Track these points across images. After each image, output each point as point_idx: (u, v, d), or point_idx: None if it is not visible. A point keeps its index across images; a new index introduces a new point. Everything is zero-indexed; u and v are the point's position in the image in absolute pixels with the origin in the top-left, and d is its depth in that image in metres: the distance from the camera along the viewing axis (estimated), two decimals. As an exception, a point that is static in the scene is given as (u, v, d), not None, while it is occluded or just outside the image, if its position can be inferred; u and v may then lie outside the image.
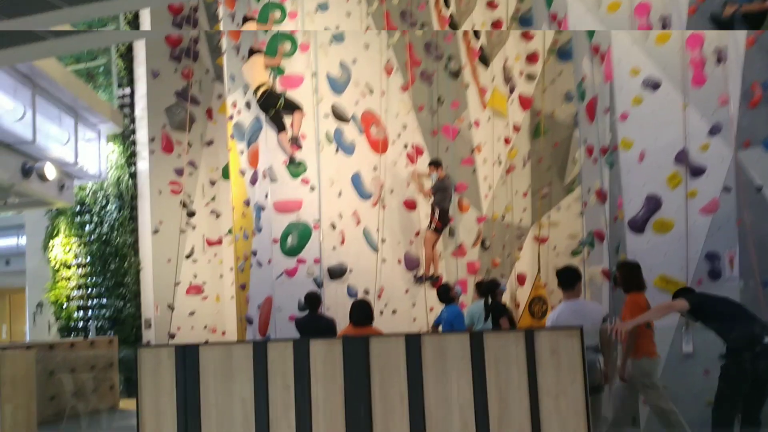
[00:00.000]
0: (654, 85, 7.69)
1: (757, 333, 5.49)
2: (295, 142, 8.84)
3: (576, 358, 4.65)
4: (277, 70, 9.18)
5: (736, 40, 7.50)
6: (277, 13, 9.19)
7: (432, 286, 9.53)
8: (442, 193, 9.61)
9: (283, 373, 5.03)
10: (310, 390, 4.94)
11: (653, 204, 7.57)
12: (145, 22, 12.23)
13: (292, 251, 8.84)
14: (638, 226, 7.60)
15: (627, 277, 6.34)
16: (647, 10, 7.69)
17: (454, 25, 11.24)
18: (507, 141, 11.27)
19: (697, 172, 7.47)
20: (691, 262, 7.33)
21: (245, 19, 9.26)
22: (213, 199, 12.44)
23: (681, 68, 7.55)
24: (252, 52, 9.08)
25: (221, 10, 10.21)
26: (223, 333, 12.01)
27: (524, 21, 11.42)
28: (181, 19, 12.20)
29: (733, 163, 7.39)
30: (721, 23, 7.60)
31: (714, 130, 7.47)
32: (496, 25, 11.74)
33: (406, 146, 10.12)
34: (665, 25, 7.62)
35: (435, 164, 9.79)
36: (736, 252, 7.28)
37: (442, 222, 9.64)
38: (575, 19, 8.03)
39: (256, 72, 8.92)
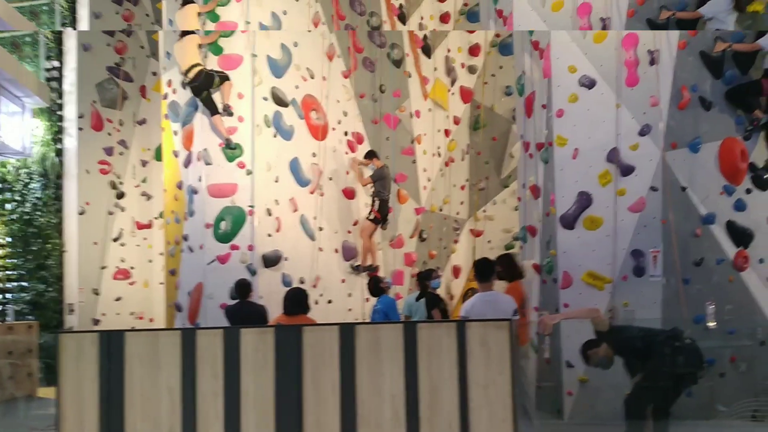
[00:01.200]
0: (589, 84, 7.85)
1: (679, 332, 5.69)
2: (226, 111, 8.64)
3: (505, 350, 4.73)
4: (215, 50, 8.94)
5: (669, 42, 7.73)
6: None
7: (369, 277, 9.52)
8: (381, 183, 9.59)
9: (213, 361, 4.91)
10: (239, 379, 4.84)
11: (584, 201, 7.75)
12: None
13: (226, 237, 8.66)
14: (569, 222, 7.77)
15: (508, 268, 6.58)
16: (588, 10, 7.84)
17: (402, 16, 11.22)
18: (447, 133, 11.33)
19: (626, 171, 7.68)
20: (617, 258, 7.56)
21: (186, 1, 8.98)
22: (144, 180, 12.05)
23: (616, 68, 7.73)
24: (185, 33, 8.84)
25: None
26: (151, 320, 11.69)
27: (471, 15, 11.49)
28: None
29: (661, 164, 7.63)
30: (657, 27, 7.83)
31: (644, 131, 7.69)
32: (444, 18, 11.79)
33: (346, 133, 10.04)
34: (605, 26, 7.79)
35: (370, 155, 9.78)
36: (660, 250, 7.54)
37: (381, 213, 9.63)
38: (520, 17, 8.11)
39: (189, 52, 8.68)
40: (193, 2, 8.87)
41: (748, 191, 7.87)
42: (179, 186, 9.45)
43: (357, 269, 9.72)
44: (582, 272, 7.57)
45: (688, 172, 7.71)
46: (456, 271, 11.17)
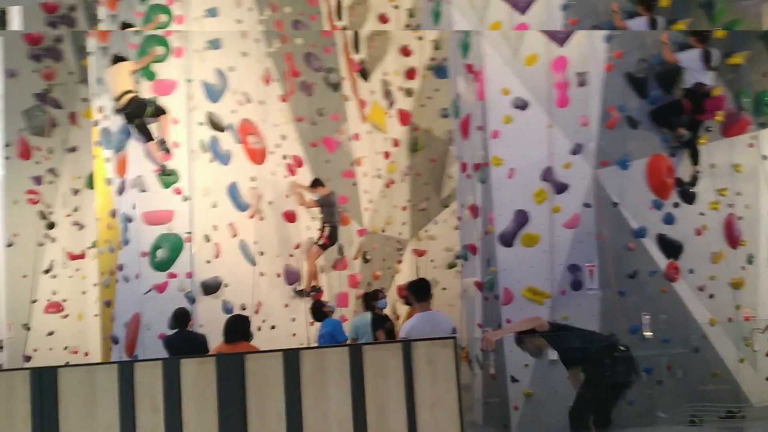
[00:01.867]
0: (522, 105, 8.07)
1: (614, 341, 5.84)
2: (163, 147, 8.49)
3: (450, 368, 4.78)
4: (149, 75, 8.79)
5: (597, 65, 8.04)
6: (163, 17, 8.81)
7: (312, 300, 9.44)
8: (328, 209, 9.61)
9: (152, 394, 4.77)
10: (181, 412, 4.72)
11: (521, 219, 7.92)
12: (15, 19, 11.28)
13: (163, 265, 8.45)
14: (507, 239, 7.92)
15: (417, 292, 6.66)
16: (564, 64, 8.01)
17: (364, 72, 11.29)
18: (387, 155, 11.42)
19: (560, 189, 7.89)
20: (555, 273, 7.74)
21: (124, 26, 8.81)
22: (75, 209, 11.63)
23: (547, 90, 7.97)
24: (117, 59, 8.68)
25: (102, 11, 9.64)
26: (86, 354, 11.22)
27: (439, 70, 11.45)
28: (56, 19, 11.36)
29: (593, 181, 7.89)
30: (636, 81, 8.14)
31: (576, 150, 7.94)
32: (410, 74, 11.83)
33: (285, 157, 9.99)
34: (582, 81, 7.97)
35: (316, 184, 9.78)
36: (595, 264, 7.76)
37: (331, 239, 9.64)
38: (492, 71, 8.15)
39: (121, 79, 8.52)
40: (125, 60, 8.70)
41: (676, 205, 8.19)
42: (113, 214, 9.20)
43: (301, 293, 9.64)
44: (522, 288, 7.71)
45: (618, 188, 7.99)
46: (401, 291, 11.19)
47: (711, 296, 8.15)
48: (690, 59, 7.98)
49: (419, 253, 11.27)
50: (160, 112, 8.59)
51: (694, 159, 8.27)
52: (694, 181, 8.28)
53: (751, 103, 8.50)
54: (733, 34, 8.23)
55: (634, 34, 8.13)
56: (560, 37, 8.05)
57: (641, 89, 8.18)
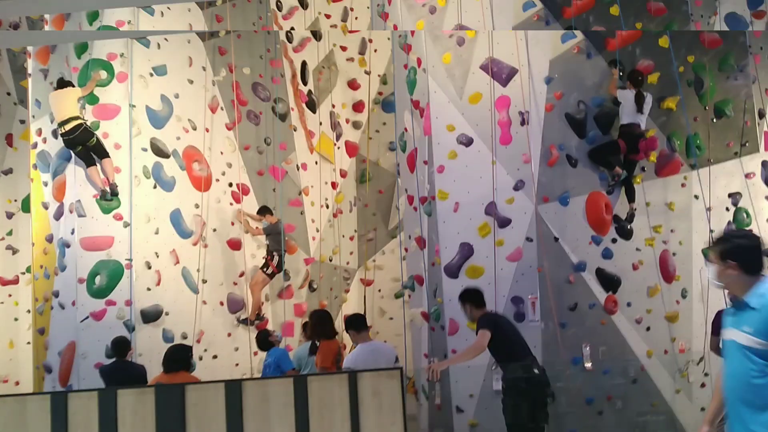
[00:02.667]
0: (467, 142, 8.25)
1: (529, 365, 5.95)
2: (109, 195, 8.33)
3: (396, 399, 4.77)
4: (91, 99, 8.63)
5: (537, 104, 8.30)
6: (103, 74, 8.66)
7: (257, 330, 9.29)
8: (275, 238, 9.55)
9: (86, 426, 4.61)
10: (117, 444, 4.55)
11: (466, 251, 8.03)
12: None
13: (101, 292, 8.21)
14: (453, 271, 8.02)
15: (316, 326, 6.76)
16: (507, 103, 8.21)
17: (312, 103, 11.33)
18: (334, 185, 11.44)
19: (503, 223, 8.05)
20: (498, 305, 7.83)
21: (61, 83, 8.57)
22: (10, 233, 11.18)
23: (490, 127, 8.18)
24: (62, 83, 8.49)
25: (30, 64, 9.44)
26: (17, 383, 10.69)
27: (386, 105, 11.56)
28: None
29: (534, 216, 8.08)
30: (575, 122, 8.41)
31: (518, 186, 8.13)
32: (357, 107, 11.90)
33: (231, 185, 9.89)
34: (524, 120, 8.18)
35: (263, 211, 9.71)
36: (537, 296, 7.92)
37: (279, 268, 9.56)
38: (437, 108, 8.29)
39: (67, 104, 8.33)
40: (70, 84, 8.52)
41: (614, 240, 8.45)
42: (49, 239, 8.89)
43: (245, 322, 9.48)
44: (467, 320, 7.77)
45: (559, 223, 8.19)
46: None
47: (648, 329, 8.39)
48: (628, 99, 8.34)
49: (367, 283, 11.26)
50: (103, 153, 8.42)
51: (631, 197, 8.58)
52: (630, 218, 8.57)
53: (682, 146, 8.92)
54: (664, 80, 8.65)
55: (573, 76, 8.46)
56: (503, 78, 8.31)
57: (580, 129, 8.48)
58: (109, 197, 8.44)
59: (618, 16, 8.69)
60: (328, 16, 11.86)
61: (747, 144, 9.34)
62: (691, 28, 9.25)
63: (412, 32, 8.85)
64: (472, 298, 6.34)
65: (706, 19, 9.51)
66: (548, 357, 7.74)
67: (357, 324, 6.25)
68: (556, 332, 7.81)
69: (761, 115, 9.53)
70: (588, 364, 7.81)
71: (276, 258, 9.50)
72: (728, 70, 9.32)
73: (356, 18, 11.79)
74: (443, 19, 8.41)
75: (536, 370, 5.92)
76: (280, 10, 11.11)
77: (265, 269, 9.57)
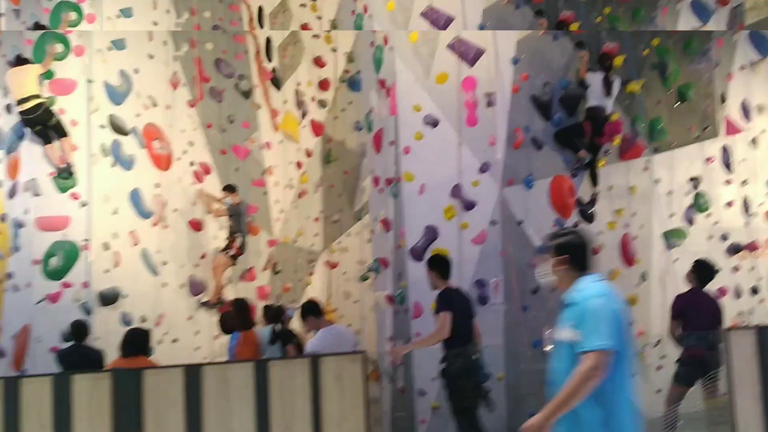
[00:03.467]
0: (433, 123, 8.18)
1: (470, 349, 5.99)
2: (65, 174, 8.09)
3: (359, 383, 4.74)
4: (46, 74, 8.34)
5: (503, 86, 8.27)
6: (73, 15, 8.37)
7: (219, 313, 9.16)
8: (238, 218, 9.40)
9: (40, 411, 4.50)
10: (71, 430, 4.45)
11: (431, 234, 7.99)
12: None
13: (56, 274, 8.01)
14: (418, 254, 7.98)
15: (236, 316, 6.73)
16: (473, 84, 8.12)
17: (276, 81, 11.09)
18: (299, 165, 11.28)
19: (469, 206, 8.02)
20: (463, 288, 7.85)
21: (37, 26, 8.28)
22: (-40, 212, 10.83)
23: (456, 108, 8.13)
24: (20, 60, 8.19)
25: (2, 5, 9.05)
26: (-32, 368, 10.42)
27: (353, 83, 11.32)
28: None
29: (499, 199, 8.09)
30: (541, 104, 8.38)
31: (484, 168, 8.11)
32: (323, 84, 11.66)
33: (192, 164, 9.69)
34: (490, 101, 8.12)
35: (229, 189, 9.53)
36: (500, 279, 7.95)
37: (241, 249, 9.43)
38: (403, 87, 8.17)
39: (26, 82, 8.05)
40: (28, 61, 8.22)
41: (576, 224, 8.50)
42: (2, 219, 8.62)
43: (206, 305, 9.35)
44: (432, 302, 7.77)
45: (523, 206, 8.21)
46: (314, 303, 11.06)
47: (607, 311, 8.51)
48: (596, 82, 8.37)
49: (332, 265, 11.17)
50: (62, 132, 8.17)
51: (594, 180, 8.65)
52: (593, 201, 8.66)
53: (645, 129, 9.01)
54: (629, 63, 8.69)
55: (539, 58, 8.44)
56: (470, 58, 8.25)
57: (545, 111, 8.48)
58: (65, 176, 8.21)
59: (587, 1, 8.72)
60: (305, 28, 11.62)
61: (708, 128, 9.49)
62: (712, 46, 9.34)
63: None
64: (439, 266, 6.27)
65: (673, 5, 9.60)
66: (510, 340, 7.81)
67: (316, 310, 6.23)
68: (518, 315, 7.86)
69: (722, 100, 9.68)
70: (548, 347, 7.89)
71: (239, 240, 9.37)
72: (691, 54, 9.42)
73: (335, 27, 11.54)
74: (413, 1, 8.29)
75: (476, 356, 5.94)
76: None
77: (227, 251, 9.43)
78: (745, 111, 9.84)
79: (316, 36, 11.70)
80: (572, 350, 3.18)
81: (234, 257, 9.46)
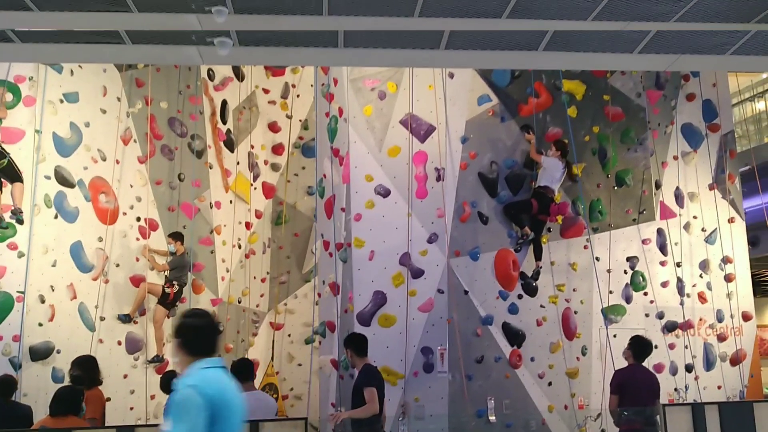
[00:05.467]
0: (384, 193, 8.40)
1: (377, 428, 6.03)
2: (16, 216, 7.88)
3: (301, 449, 4.64)
4: (-3, 121, 8.17)
5: (453, 162, 8.58)
6: (9, 96, 8.24)
7: (155, 372, 8.84)
8: (180, 269, 9.24)
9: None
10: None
11: (379, 299, 8.08)
12: None
13: (-12, 325, 7.61)
14: (366, 318, 8.02)
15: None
16: (424, 159, 8.44)
17: (230, 142, 11.17)
18: (248, 225, 11.23)
19: (417, 274, 8.19)
20: (409, 355, 7.88)
21: None
22: None
23: (407, 181, 8.37)
24: None
25: None
26: None
27: (306, 150, 11.58)
28: None
29: (446, 269, 8.25)
30: (488, 181, 8.69)
31: (432, 239, 8.32)
32: (277, 149, 11.78)
33: (139, 219, 9.54)
34: (440, 176, 8.42)
35: (175, 236, 9.41)
36: (446, 347, 8.01)
37: (176, 298, 9.23)
38: (357, 157, 8.41)
39: None
40: None
41: (520, 296, 8.73)
42: (-66, 266, 8.20)
43: (156, 360, 9.05)
44: (378, 367, 7.73)
45: (469, 277, 8.40)
46: (254, 365, 10.76)
47: (549, 384, 8.64)
48: (551, 165, 8.77)
49: (277, 327, 11.00)
50: (15, 176, 7.98)
51: (538, 255, 8.93)
52: (536, 275, 8.91)
53: (585, 210, 9.42)
54: (570, 147, 9.15)
55: (487, 137, 8.82)
56: (421, 135, 8.56)
57: (492, 188, 8.81)
58: (5, 225, 7.94)
59: (575, 117, 9.18)
60: (266, 91, 11.78)
61: (644, 212, 9.98)
62: (648, 136, 9.95)
63: (335, 80, 8.99)
64: (355, 344, 6.30)
65: (663, 128, 10.26)
66: (454, 409, 7.81)
67: (242, 371, 5.97)
68: (462, 384, 7.89)
69: (657, 186, 10.24)
70: (492, 417, 7.92)
71: (177, 287, 9.18)
72: (629, 142, 10.00)
73: (298, 96, 11.72)
74: (393, 107, 8.58)
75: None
76: (211, 80, 10.93)
77: (164, 300, 9.20)
78: (678, 198, 10.43)
79: (272, 102, 11.90)
80: None
81: (169, 306, 9.21)
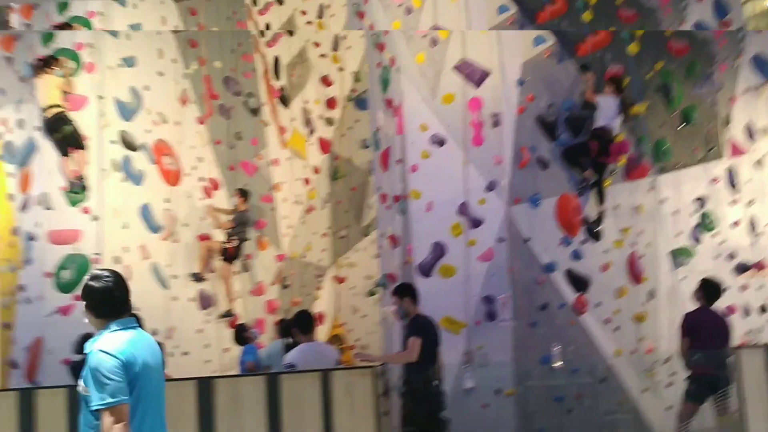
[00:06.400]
0: (440, 142, 8.28)
1: (431, 375, 5.95)
2: (78, 185, 8.19)
3: (369, 398, 4.77)
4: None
5: (510, 107, 8.38)
6: (71, 64, 8.47)
7: (228, 326, 9.19)
8: (242, 226, 9.47)
9: (55, 423, 4.52)
10: (87, 442, 4.47)
11: (439, 251, 8.06)
12: None
13: (68, 287, 8.05)
14: (426, 270, 8.05)
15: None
16: (479, 105, 8.23)
17: (284, 98, 11.22)
18: (307, 181, 11.37)
19: (475, 223, 8.09)
20: (470, 304, 7.90)
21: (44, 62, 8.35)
22: (-28, 226, 10.88)
23: (463, 128, 8.22)
24: (43, 65, 8.26)
25: (15, 19, 9.15)
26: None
27: (360, 102, 11.47)
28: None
29: (506, 217, 8.16)
30: (547, 125, 8.49)
31: (490, 187, 8.19)
32: (330, 103, 11.75)
33: (201, 179, 9.78)
34: (496, 122, 8.22)
35: (241, 193, 9.61)
36: (508, 296, 8.00)
37: (236, 252, 9.45)
38: (410, 107, 8.27)
39: (48, 91, 8.15)
40: (53, 60, 8.30)
41: (583, 242, 8.59)
42: (14, 232, 8.68)
43: (227, 315, 9.38)
44: (439, 317, 7.79)
45: (529, 224, 8.27)
46: (320, 318, 11.05)
47: (616, 329, 8.53)
48: (608, 104, 8.47)
49: (339, 280, 11.23)
50: (78, 144, 8.25)
51: (600, 199, 8.73)
52: (599, 220, 8.72)
53: (650, 150, 9.11)
54: (633, 85, 8.81)
55: (544, 80, 8.56)
56: (476, 80, 8.37)
57: (551, 132, 8.58)
58: (77, 190, 8.28)
59: (636, 54, 8.77)
60: (303, 13, 11.74)
61: (713, 149, 9.57)
62: (715, 71, 9.43)
63: (386, 32, 8.86)
64: (412, 293, 6.32)
65: (732, 60, 9.73)
66: (518, 356, 7.84)
67: (300, 323, 6.01)
68: (525, 331, 7.90)
69: (726, 122, 9.78)
70: (557, 363, 7.93)
71: (236, 242, 9.37)
72: (695, 78, 9.54)
73: (332, 15, 11.69)
74: (419, 20, 8.42)
75: (435, 382, 5.92)
76: (255, 5, 11.00)
77: (226, 257, 9.43)
78: (750, 133, 9.95)
79: (323, 56, 11.85)
80: (85, 404, 3.09)
81: (229, 260, 9.42)
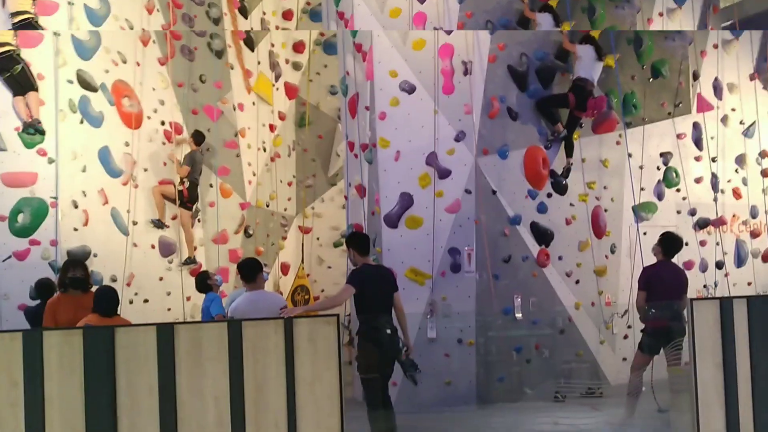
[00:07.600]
0: (410, 89, 8.15)
1: (383, 323, 5.90)
2: (33, 129, 7.86)
3: (332, 345, 4.76)
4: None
5: (481, 55, 8.26)
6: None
7: (189, 274, 9.08)
8: (192, 166, 9.22)
9: (10, 368, 4.44)
10: (42, 387, 4.42)
11: (406, 201, 8.04)
12: None
13: (24, 231, 7.80)
14: (392, 221, 8.02)
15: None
16: (450, 52, 8.10)
17: (244, 9, 10.82)
18: (272, 128, 11.13)
19: (443, 174, 8.06)
20: (436, 256, 7.92)
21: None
22: None
23: (434, 76, 8.09)
24: None
25: None
26: (-68, 325, 10.18)
27: (314, 15, 11.31)
28: None
29: (474, 168, 8.11)
30: (518, 74, 8.34)
31: (459, 137, 8.13)
32: (286, 15, 11.48)
33: (163, 123, 9.49)
34: (467, 70, 8.10)
35: (194, 135, 9.34)
36: (473, 248, 8.03)
37: (190, 195, 9.21)
38: (380, 52, 8.12)
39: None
40: None
41: (549, 195, 8.62)
42: (-35, 173, 8.35)
43: (189, 262, 9.24)
44: (405, 269, 7.83)
45: (497, 176, 8.29)
46: (284, 268, 10.98)
47: (577, 282, 8.69)
48: (587, 53, 8.38)
49: (305, 230, 11.14)
50: (29, 85, 7.90)
51: (569, 152, 8.73)
52: (566, 173, 8.75)
53: (619, 103, 9.09)
54: (604, 37, 8.73)
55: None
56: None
57: (521, 82, 8.50)
58: (32, 131, 7.97)
59: None
60: None
61: (680, 105, 9.62)
62: None
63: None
64: (357, 243, 6.11)
65: None
66: (481, 307, 7.92)
67: (245, 271, 5.78)
68: (489, 283, 7.97)
69: (695, 77, 9.81)
70: (518, 315, 8.04)
71: (187, 183, 9.15)
72: (666, 31, 9.49)
73: None
74: None
75: (389, 330, 5.88)
76: None
77: (179, 201, 9.22)
78: (717, 89, 10.00)
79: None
80: None
81: (184, 205, 9.24)
